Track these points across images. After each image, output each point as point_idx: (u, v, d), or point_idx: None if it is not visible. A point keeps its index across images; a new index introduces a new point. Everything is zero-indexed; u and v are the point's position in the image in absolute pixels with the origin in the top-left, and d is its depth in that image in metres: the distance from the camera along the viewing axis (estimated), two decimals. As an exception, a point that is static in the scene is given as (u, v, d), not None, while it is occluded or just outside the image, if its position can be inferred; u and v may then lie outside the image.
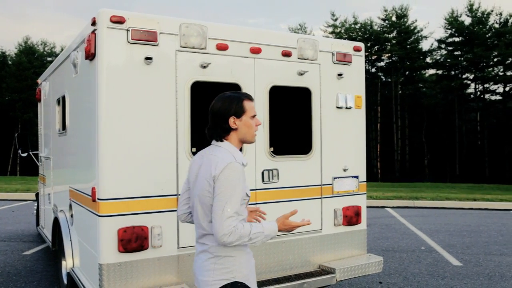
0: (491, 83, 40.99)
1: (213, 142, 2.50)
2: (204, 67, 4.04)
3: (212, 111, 2.48)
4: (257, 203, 4.27)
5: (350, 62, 4.90)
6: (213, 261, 2.39)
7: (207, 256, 2.42)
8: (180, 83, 3.93)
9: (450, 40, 41.80)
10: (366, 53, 40.30)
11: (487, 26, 40.22)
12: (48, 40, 61.74)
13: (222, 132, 2.46)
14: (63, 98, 5.15)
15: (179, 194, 3.91)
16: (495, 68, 40.36)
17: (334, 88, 4.80)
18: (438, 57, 42.48)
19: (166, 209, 3.85)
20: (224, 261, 2.39)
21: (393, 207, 13.75)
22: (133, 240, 3.67)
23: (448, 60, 41.37)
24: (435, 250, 7.94)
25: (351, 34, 42.36)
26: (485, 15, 40.36)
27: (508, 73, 39.46)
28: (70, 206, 4.78)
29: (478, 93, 41.88)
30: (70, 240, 4.64)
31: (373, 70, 43.97)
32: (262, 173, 4.35)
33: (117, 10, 3.68)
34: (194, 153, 3.98)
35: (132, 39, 3.69)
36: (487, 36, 39.70)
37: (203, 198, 2.39)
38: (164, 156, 3.85)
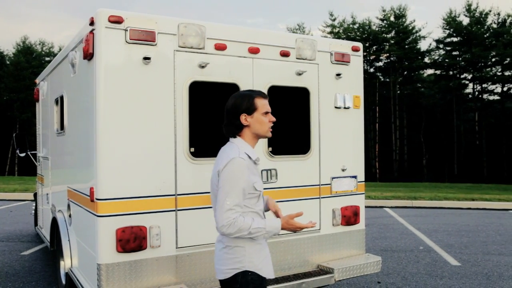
0: (489, 83, 41.04)
1: (230, 138, 2.65)
2: (203, 67, 4.03)
3: (226, 108, 2.62)
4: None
5: (349, 62, 4.90)
6: (225, 251, 2.53)
7: (220, 246, 2.57)
8: (178, 83, 3.93)
9: (448, 40, 41.85)
10: (365, 53, 40.35)
11: (485, 26, 40.27)
12: (46, 40, 61.73)
13: (234, 129, 2.59)
14: (61, 98, 5.14)
15: (177, 194, 3.91)
16: (493, 68, 40.44)
17: (332, 88, 4.80)
18: (436, 57, 42.53)
19: (164, 209, 3.85)
20: (234, 251, 2.50)
21: (391, 207, 13.76)
22: (132, 240, 3.66)
23: (446, 60, 41.39)
24: (434, 250, 7.95)
25: (349, 34, 42.35)
26: (483, 15, 40.39)
27: (506, 73, 39.54)
28: (68, 206, 4.78)
29: (476, 93, 41.92)
30: (69, 240, 4.63)
31: (372, 70, 43.96)
32: (261, 173, 4.34)
33: (115, 10, 3.68)
34: (192, 153, 3.98)
35: (130, 39, 3.69)
36: (485, 36, 39.75)
37: (214, 191, 2.56)
38: (162, 156, 3.85)
